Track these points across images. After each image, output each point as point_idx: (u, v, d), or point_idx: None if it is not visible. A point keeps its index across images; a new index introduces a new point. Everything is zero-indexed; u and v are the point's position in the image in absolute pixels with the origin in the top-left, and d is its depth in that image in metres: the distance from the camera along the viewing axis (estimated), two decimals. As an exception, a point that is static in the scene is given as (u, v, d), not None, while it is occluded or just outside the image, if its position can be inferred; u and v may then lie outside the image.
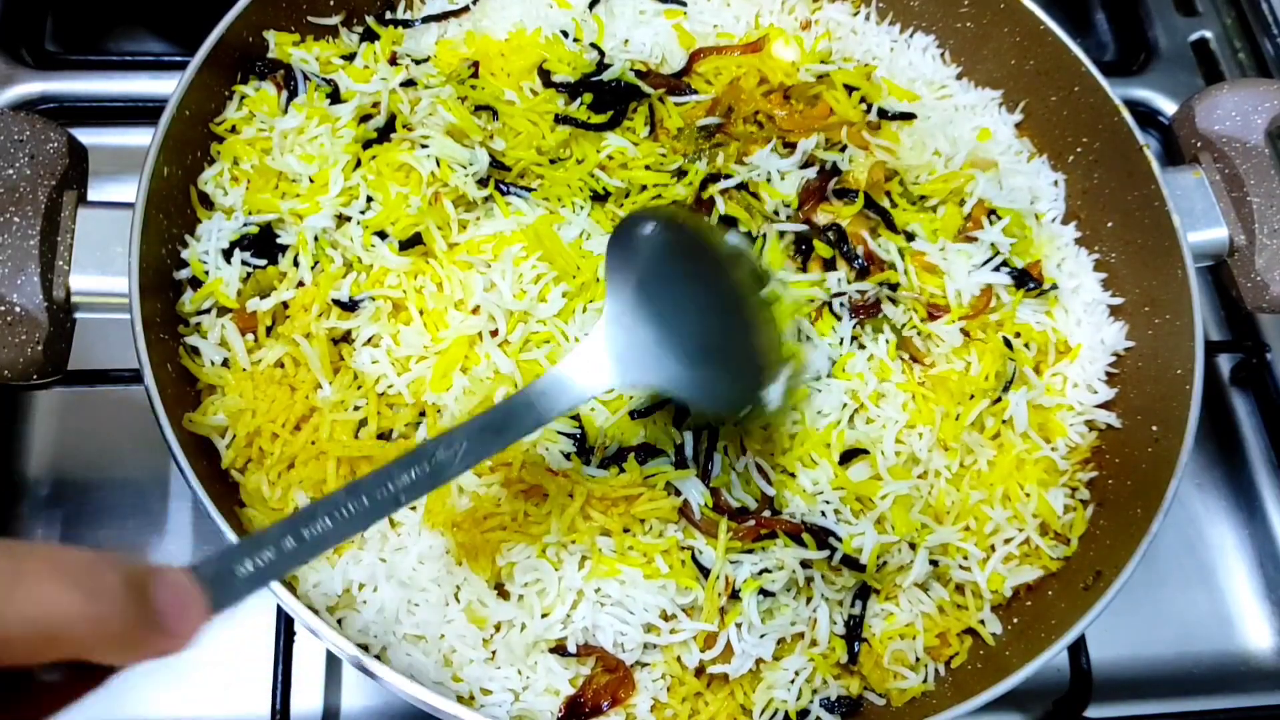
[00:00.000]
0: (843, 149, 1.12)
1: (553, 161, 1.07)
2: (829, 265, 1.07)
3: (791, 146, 1.12)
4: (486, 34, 1.16)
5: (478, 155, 1.04)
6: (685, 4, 1.21)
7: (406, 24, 1.18)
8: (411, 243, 0.99)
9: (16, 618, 0.44)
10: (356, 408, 0.96)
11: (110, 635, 0.48)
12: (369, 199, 1.02)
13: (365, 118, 1.06)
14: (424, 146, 1.03)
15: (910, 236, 1.10)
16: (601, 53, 1.14)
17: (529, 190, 1.05)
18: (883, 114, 1.16)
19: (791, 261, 1.07)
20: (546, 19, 1.17)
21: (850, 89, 1.16)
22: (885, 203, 1.11)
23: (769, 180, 1.09)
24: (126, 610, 0.48)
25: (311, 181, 1.03)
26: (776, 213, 1.08)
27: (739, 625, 0.93)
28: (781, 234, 1.07)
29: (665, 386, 0.86)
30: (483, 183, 1.04)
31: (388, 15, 1.20)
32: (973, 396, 1.05)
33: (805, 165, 1.11)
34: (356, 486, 0.67)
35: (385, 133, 1.05)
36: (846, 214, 1.09)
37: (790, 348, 1.00)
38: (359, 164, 1.04)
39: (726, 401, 0.91)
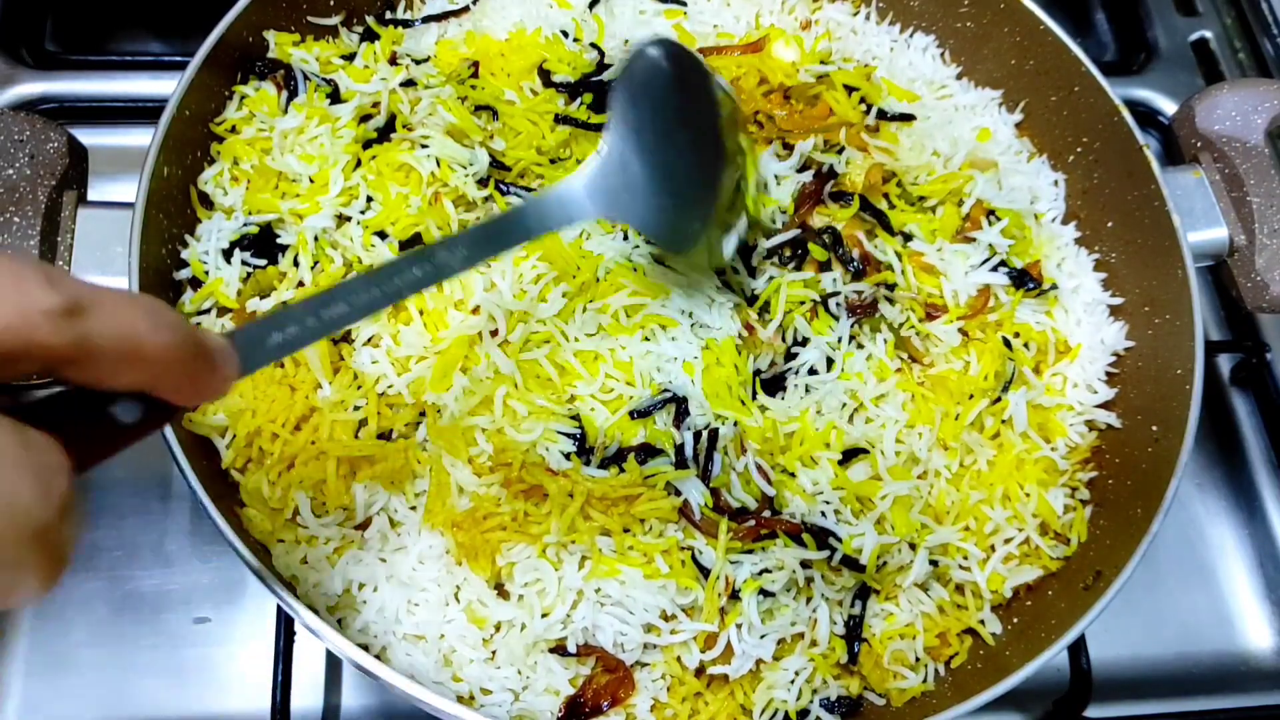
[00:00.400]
0: (840, 151, 1.12)
1: (553, 161, 1.07)
2: (824, 268, 1.07)
3: (791, 148, 1.12)
4: (486, 34, 1.16)
5: (478, 155, 1.04)
6: (685, 4, 1.21)
7: (406, 24, 1.18)
8: (412, 243, 0.99)
9: (106, 331, 0.51)
10: (356, 408, 0.96)
11: (174, 364, 0.55)
12: (369, 199, 1.02)
13: (365, 118, 1.06)
14: (424, 146, 1.03)
15: (908, 237, 1.10)
16: (601, 53, 1.14)
17: (529, 190, 1.05)
18: (882, 115, 1.16)
19: (785, 265, 1.08)
20: (546, 19, 1.17)
21: (850, 89, 1.16)
22: (883, 204, 1.11)
23: (765, 188, 1.09)
24: (187, 345, 0.55)
25: (311, 181, 1.03)
26: (772, 219, 1.08)
27: (739, 626, 0.93)
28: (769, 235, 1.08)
29: (640, 226, 0.92)
30: (483, 183, 1.04)
31: (388, 15, 1.20)
32: (972, 396, 1.05)
33: (802, 169, 1.11)
34: (368, 277, 0.73)
35: (385, 133, 1.05)
36: (842, 217, 1.09)
37: (752, 198, 1.03)
38: (359, 164, 1.04)
39: (686, 244, 0.96)
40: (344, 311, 0.71)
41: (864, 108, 1.16)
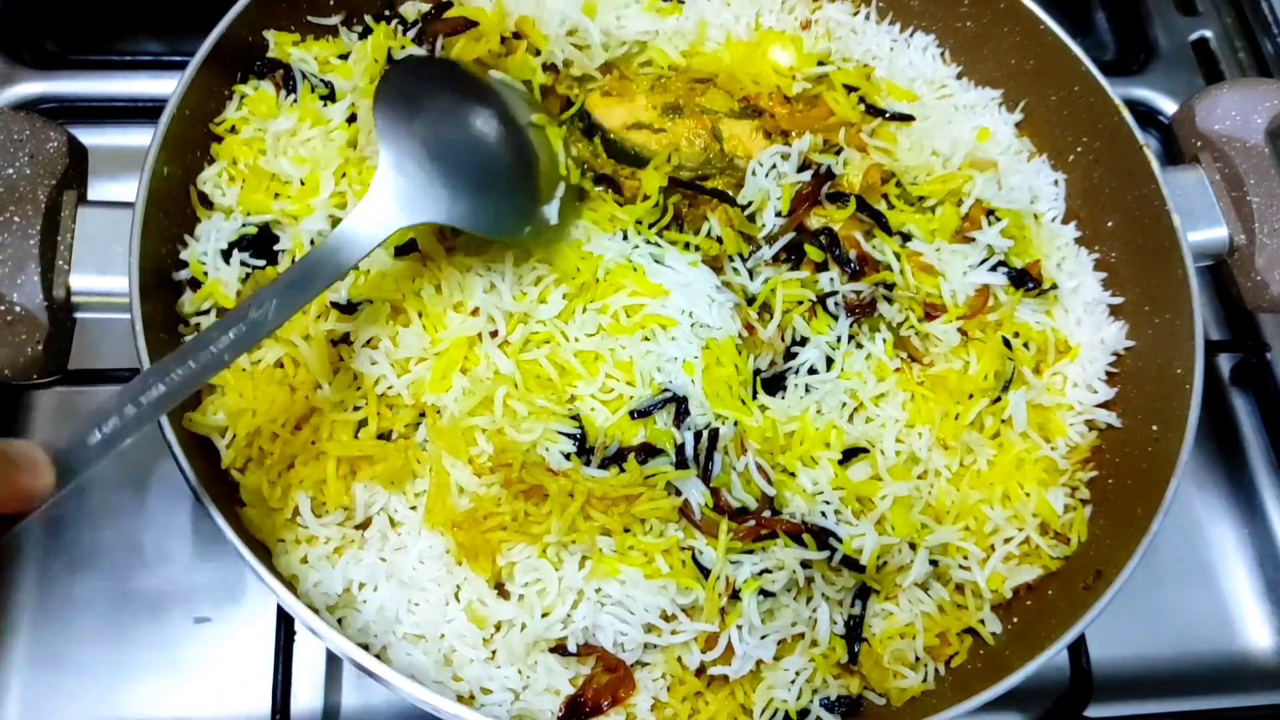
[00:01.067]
0: (838, 152, 1.12)
1: None
2: (821, 268, 1.07)
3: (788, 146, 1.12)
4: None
5: None
6: (684, 2, 1.21)
7: (404, 21, 1.18)
8: (408, 249, 0.99)
9: None
10: (356, 408, 0.96)
11: None
12: None
13: (354, 117, 1.06)
14: None
15: (907, 237, 1.10)
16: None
17: None
18: (880, 113, 1.15)
19: (783, 264, 1.08)
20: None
21: (850, 89, 1.16)
22: (882, 205, 1.11)
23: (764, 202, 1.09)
24: None
25: (302, 184, 1.02)
26: (763, 225, 1.08)
27: (739, 626, 0.93)
28: (772, 240, 1.08)
29: (447, 220, 0.92)
30: None
31: (386, 14, 1.20)
32: (972, 396, 1.05)
33: (800, 169, 1.11)
34: (182, 351, 0.74)
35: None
36: (839, 218, 1.09)
37: (563, 168, 1.05)
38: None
39: (507, 226, 0.98)
40: (161, 392, 0.72)
41: (863, 107, 1.16)
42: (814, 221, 1.09)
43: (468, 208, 0.92)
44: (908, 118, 1.16)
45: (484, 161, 0.98)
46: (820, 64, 1.19)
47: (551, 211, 1.01)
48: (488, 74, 1.06)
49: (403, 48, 1.09)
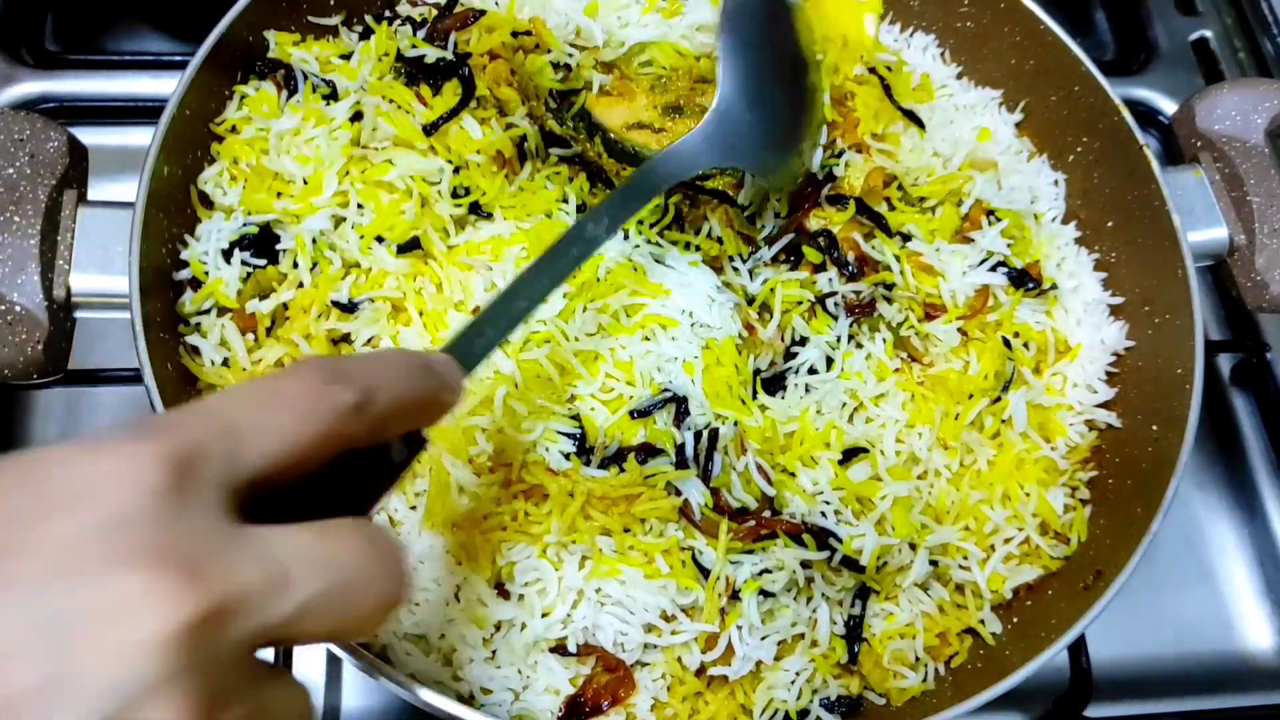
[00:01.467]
0: (839, 155, 1.12)
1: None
2: (819, 269, 1.07)
3: None
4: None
5: (444, 168, 1.02)
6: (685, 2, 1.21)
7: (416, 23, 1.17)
8: (410, 246, 0.99)
9: (388, 405, 0.56)
10: (356, 407, 0.96)
11: (430, 403, 0.62)
12: (359, 205, 1.02)
13: (358, 115, 1.06)
14: (393, 164, 1.02)
15: (906, 237, 1.10)
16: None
17: (488, 215, 1.03)
18: (903, 110, 1.16)
19: (782, 265, 1.08)
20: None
21: (882, 81, 1.17)
22: (883, 207, 1.11)
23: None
24: (431, 384, 0.62)
25: (305, 183, 1.02)
26: (764, 224, 1.08)
27: (739, 627, 0.93)
28: (771, 241, 1.08)
29: (749, 166, 1.00)
30: (456, 194, 1.03)
31: (386, 13, 1.20)
32: (971, 396, 1.05)
33: None
34: (538, 265, 0.81)
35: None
36: (839, 220, 1.09)
37: (826, 105, 1.11)
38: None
39: (785, 176, 1.06)
40: (525, 305, 0.79)
41: (887, 101, 1.16)
42: (813, 223, 1.09)
43: (769, 156, 1.00)
44: (921, 123, 1.16)
45: (789, 112, 1.04)
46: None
47: (816, 157, 1.07)
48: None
49: (413, 47, 1.09)
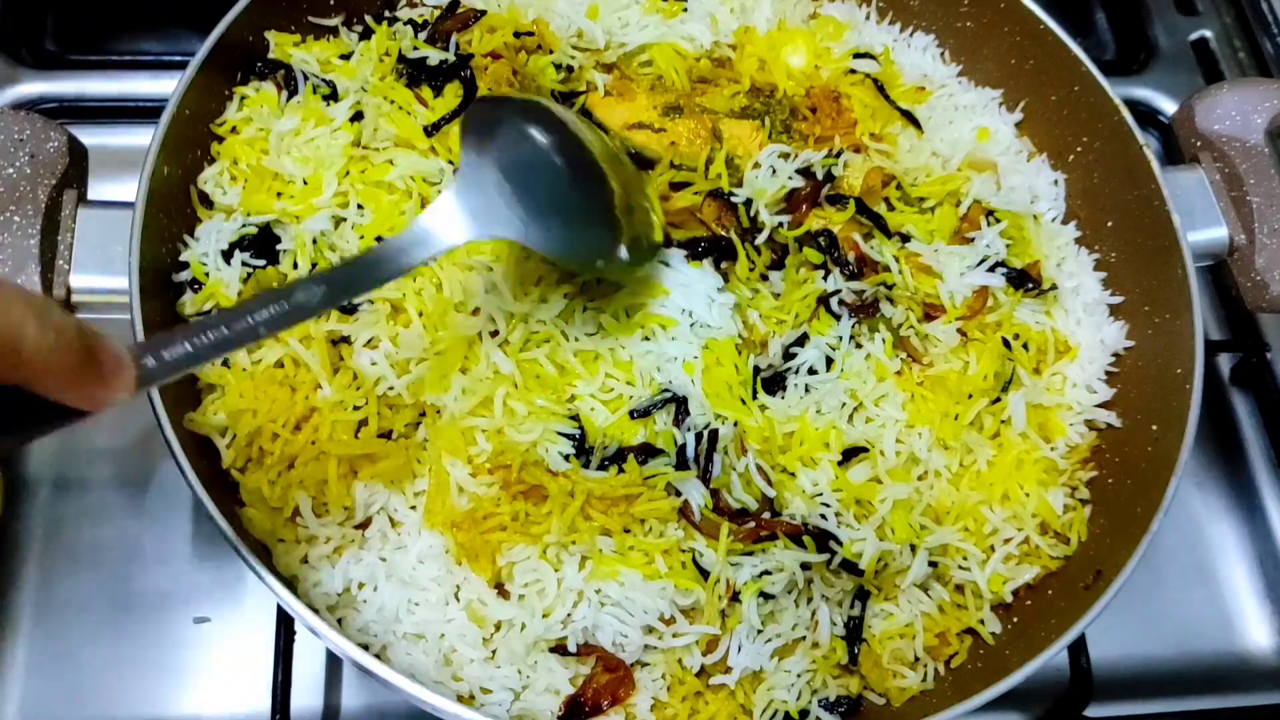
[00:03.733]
0: (838, 155, 1.12)
1: None
2: (818, 269, 1.07)
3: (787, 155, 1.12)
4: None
5: (444, 168, 1.03)
6: (687, 2, 1.21)
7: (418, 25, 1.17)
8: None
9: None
10: (356, 408, 0.96)
11: (59, 368, 0.56)
12: (359, 206, 1.02)
13: (358, 115, 1.06)
14: (393, 164, 1.02)
15: (905, 238, 1.11)
16: None
17: None
18: (897, 109, 1.16)
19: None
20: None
21: (874, 80, 1.17)
22: (881, 208, 1.11)
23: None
24: (77, 350, 0.56)
25: (305, 183, 1.02)
26: (764, 223, 1.08)
27: (740, 631, 0.93)
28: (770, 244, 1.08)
29: (518, 238, 0.90)
30: None
31: (386, 14, 1.20)
32: (971, 396, 1.05)
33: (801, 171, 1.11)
34: (221, 315, 0.73)
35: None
36: (839, 220, 1.09)
37: (653, 217, 1.04)
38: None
39: (579, 254, 0.96)
40: (207, 341, 0.71)
41: (880, 99, 1.16)
42: (813, 224, 1.09)
43: (540, 231, 0.91)
44: (918, 123, 1.16)
45: (562, 191, 0.96)
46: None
47: (624, 252, 0.98)
48: (569, 111, 1.06)
49: (414, 48, 1.09)
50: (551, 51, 1.12)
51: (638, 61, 1.18)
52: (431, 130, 1.03)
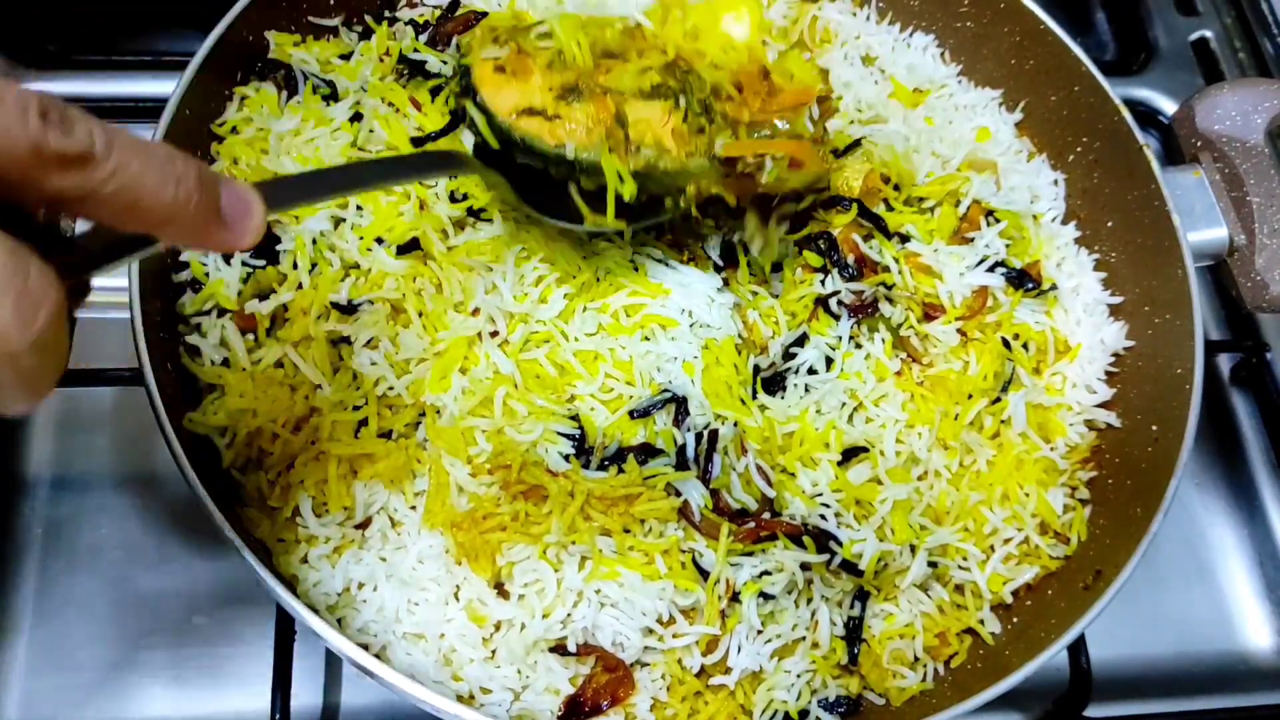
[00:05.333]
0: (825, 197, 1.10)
1: None
2: (819, 272, 1.07)
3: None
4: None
5: None
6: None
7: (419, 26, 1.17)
8: (409, 247, 0.99)
9: (110, 182, 0.51)
10: (356, 408, 0.96)
11: (181, 220, 0.55)
12: (359, 206, 1.02)
13: (357, 116, 1.06)
14: None
15: (905, 238, 1.10)
16: None
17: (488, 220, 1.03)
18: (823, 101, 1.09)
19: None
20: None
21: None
22: (880, 208, 1.11)
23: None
24: (199, 202, 0.55)
25: (306, 183, 1.02)
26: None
27: (740, 632, 0.93)
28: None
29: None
30: (454, 199, 1.03)
31: (386, 14, 1.20)
32: (971, 396, 1.05)
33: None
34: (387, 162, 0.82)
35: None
36: (839, 223, 1.09)
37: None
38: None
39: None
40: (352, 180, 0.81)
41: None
42: (814, 227, 1.09)
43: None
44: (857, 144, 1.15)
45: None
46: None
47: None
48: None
49: (414, 50, 1.09)
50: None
51: (535, 34, 0.99)
52: (418, 144, 1.03)
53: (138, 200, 0.53)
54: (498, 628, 0.93)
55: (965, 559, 1.02)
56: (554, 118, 0.94)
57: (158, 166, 0.53)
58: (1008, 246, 1.12)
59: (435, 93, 1.07)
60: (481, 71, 0.96)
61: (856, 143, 1.15)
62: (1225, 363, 1.43)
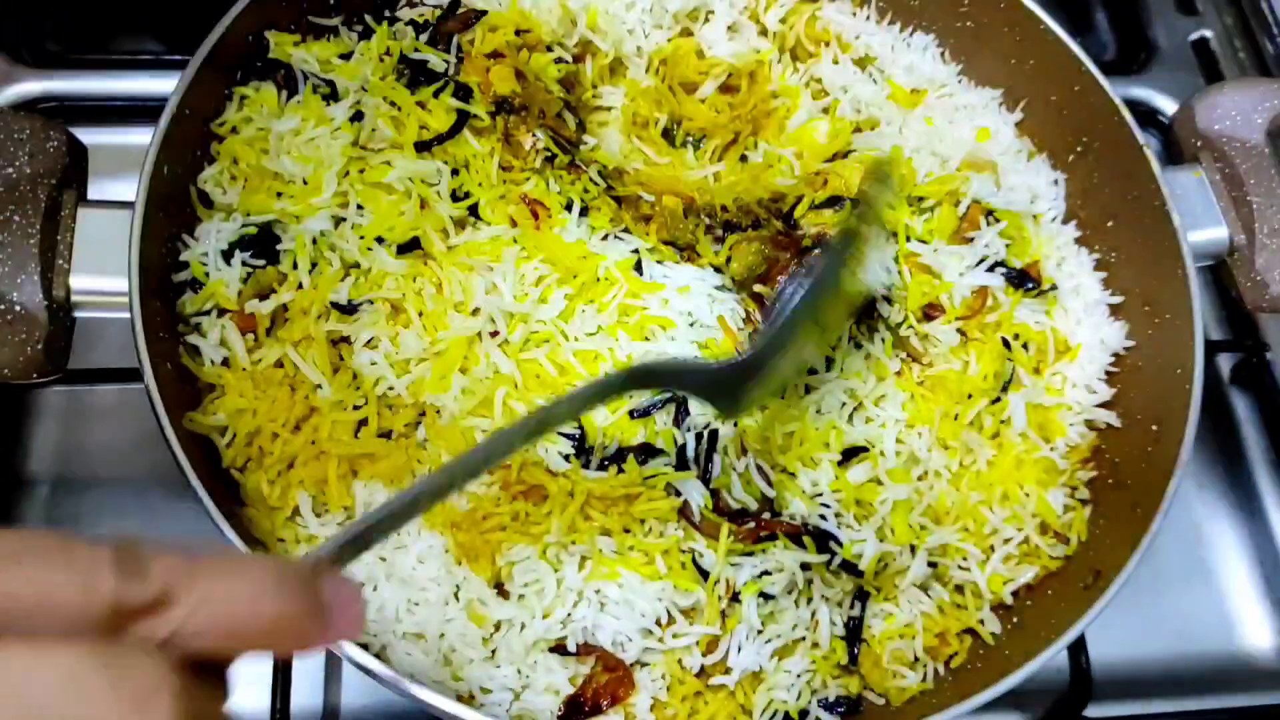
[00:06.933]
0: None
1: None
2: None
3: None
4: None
5: (441, 169, 1.03)
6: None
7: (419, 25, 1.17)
8: (409, 247, 0.99)
9: (194, 619, 0.47)
10: (356, 408, 0.96)
11: (289, 632, 0.51)
12: (359, 206, 1.02)
13: (358, 115, 1.06)
14: (390, 165, 1.02)
15: (905, 238, 1.10)
16: None
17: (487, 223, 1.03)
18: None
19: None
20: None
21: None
22: (879, 206, 1.11)
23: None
24: (304, 610, 0.51)
25: (305, 184, 1.02)
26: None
27: (740, 633, 0.93)
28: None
29: (715, 407, 0.90)
30: (456, 197, 1.03)
31: (386, 14, 1.20)
32: (971, 396, 1.05)
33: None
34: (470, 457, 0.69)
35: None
36: (836, 222, 1.09)
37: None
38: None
39: (744, 410, 0.95)
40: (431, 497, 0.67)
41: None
42: (810, 228, 1.09)
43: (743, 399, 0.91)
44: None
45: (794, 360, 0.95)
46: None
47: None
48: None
49: (415, 50, 1.09)
50: (551, 49, 1.12)
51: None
52: (422, 147, 1.03)
53: (234, 629, 0.48)
54: (497, 628, 0.93)
55: (965, 559, 1.02)
56: None
57: (252, 585, 0.49)
58: (1008, 246, 1.12)
59: (438, 93, 1.07)
60: None
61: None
62: (1225, 363, 1.43)
